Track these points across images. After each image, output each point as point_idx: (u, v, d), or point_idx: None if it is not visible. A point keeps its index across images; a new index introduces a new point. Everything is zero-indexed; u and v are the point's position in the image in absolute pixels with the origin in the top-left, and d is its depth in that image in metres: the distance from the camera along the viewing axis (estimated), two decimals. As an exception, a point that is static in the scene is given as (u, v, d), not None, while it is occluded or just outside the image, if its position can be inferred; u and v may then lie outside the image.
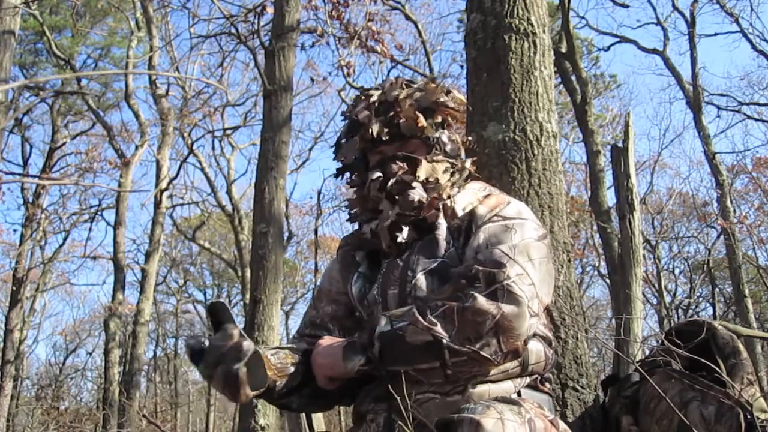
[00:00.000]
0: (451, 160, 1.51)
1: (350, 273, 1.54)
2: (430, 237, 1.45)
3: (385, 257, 1.50)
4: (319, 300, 1.61)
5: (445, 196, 1.49)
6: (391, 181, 1.45)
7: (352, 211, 1.58)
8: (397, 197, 1.45)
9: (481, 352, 1.23)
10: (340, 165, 1.58)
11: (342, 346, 1.32)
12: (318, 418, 1.91)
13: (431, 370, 1.26)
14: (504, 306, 1.24)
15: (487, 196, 1.50)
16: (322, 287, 1.62)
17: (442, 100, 1.53)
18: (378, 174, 1.47)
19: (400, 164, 1.47)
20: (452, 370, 1.25)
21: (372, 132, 1.48)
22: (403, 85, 1.53)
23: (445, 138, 1.52)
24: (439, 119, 1.54)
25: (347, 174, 1.59)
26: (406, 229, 1.45)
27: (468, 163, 1.56)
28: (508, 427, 1.12)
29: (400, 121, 1.48)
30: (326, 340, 1.39)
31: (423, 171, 1.46)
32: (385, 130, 1.48)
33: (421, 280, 1.41)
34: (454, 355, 1.23)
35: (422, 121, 1.48)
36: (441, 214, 1.48)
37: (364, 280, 1.51)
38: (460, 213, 1.47)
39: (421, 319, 1.25)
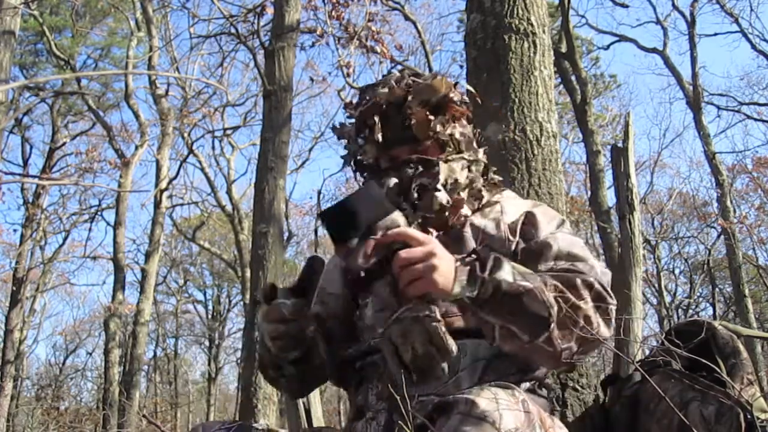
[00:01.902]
0: (465, 156, 1.46)
1: None
2: (456, 235, 1.43)
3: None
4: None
5: (469, 195, 1.46)
6: (413, 187, 1.40)
7: None
8: (418, 202, 1.40)
9: (563, 353, 1.21)
10: (352, 166, 1.52)
11: (464, 268, 1.19)
12: (318, 418, 1.91)
13: (514, 338, 1.19)
14: (602, 325, 1.24)
15: (536, 204, 1.52)
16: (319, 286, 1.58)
17: (450, 95, 1.46)
18: (394, 181, 1.41)
19: (416, 168, 1.42)
20: (527, 353, 1.22)
21: (380, 137, 1.42)
22: (410, 81, 1.45)
23: (457, 134, 1.45)
24: (449, 115, 1.46)
25: (361, 174, 1.53)
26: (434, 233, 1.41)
27: (481, 154, 1.51)
28: (502, 404, 1.10)
29: (411, 123, 1.42)
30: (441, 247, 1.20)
31: (442, 174, 1.41)
32: (396, 133, 1.43)
33: None
34: (547, 342, 1.19)
35: (434, 122, 1.42)
36: (478, 213, 1.46)
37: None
38: (512, 214, 1.45)
39: (547, 291, 1.20)
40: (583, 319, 1.21)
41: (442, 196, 1.40)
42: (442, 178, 1.41)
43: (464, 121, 1.51)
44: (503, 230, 1.43)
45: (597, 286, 1.26)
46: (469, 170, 1.47)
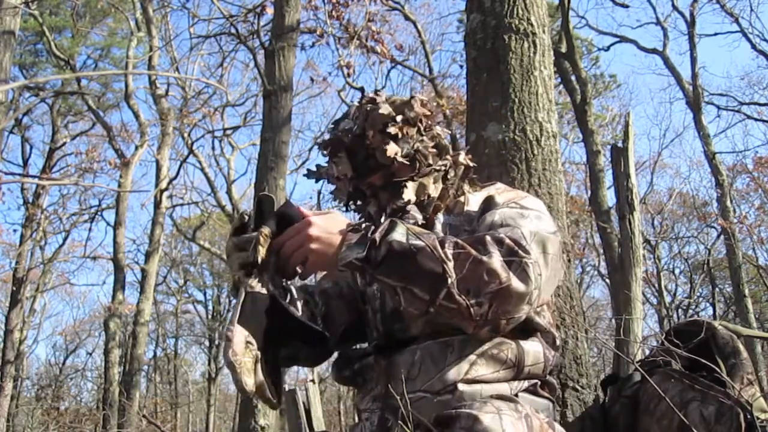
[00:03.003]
0: (436, 167, 1.49)
1: None
2: None
3: None
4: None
5: (446, 202, 1.49)
6: (388, 210, 1.45)
7: None
8: None
9: (471, 310, 1.21)
10: (342, 200, 1.58)
11: (347, 230, 1.25)
12: (318, 418, 1.91)
13: (415, 298, 1.22)
14: (513, 278, 1.22)
15: (507, 190, 1.52)
16: None
17: (405, 114, 1.49)
18: (374, 208, 1.48)
19: (389, 192, 1.47)
20: (435, 310, 1.22)
21: (350, 172, 1.48)
22: (367, 109, 1.50)
23: (422, 148, 1.48)
24: (411, 132, 1.49)
25: (351, 204, 1.58)
26: None
27: (462, 156, 1.53)
28: (505, 421, 1.10)
29: (374, 152, 1.47)
30: (329, 213, 1.29)
31: (409, 193, 1.45)
32: (364, 163, 1.48)
33: None
34: (448, 298, 1.20)
35: (392, 148, 1.45)
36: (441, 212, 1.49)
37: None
38: (475, 205, 1.47)
39: (439, 247, 1.22)
40: (486, 272, 1.21)
41: (412, 216, 1.44)
42: (411, 197, 1.45)
43: (434, 129, 1.53)
44: (465, 221, 1.46)
45: (508, 241, 1.25)
46: (445, 178, 1.50)
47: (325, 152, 1.54)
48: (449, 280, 1.19)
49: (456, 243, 1.23)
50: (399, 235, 1.22)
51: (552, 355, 1.42)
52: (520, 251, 1.25)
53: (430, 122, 1.53)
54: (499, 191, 1.50)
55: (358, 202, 1.54)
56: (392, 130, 1.46)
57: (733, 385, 1.37)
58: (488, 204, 1.44)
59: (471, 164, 1.55)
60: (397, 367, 1.37)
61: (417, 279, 1.21)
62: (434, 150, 1.50)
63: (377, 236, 1.22)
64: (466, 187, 1.54)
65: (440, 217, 1.48)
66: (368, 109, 1.49)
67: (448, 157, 1.52)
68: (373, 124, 1.47)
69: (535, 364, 1.38)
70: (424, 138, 1.50)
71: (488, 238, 1.25)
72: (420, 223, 1.43)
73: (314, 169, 1.58)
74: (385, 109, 1.48)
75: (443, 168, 1.50)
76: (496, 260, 1.22)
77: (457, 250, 1.22)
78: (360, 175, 1.48)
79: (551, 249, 1.33)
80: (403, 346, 1.39)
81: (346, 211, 1.60)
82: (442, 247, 1.22)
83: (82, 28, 13.72)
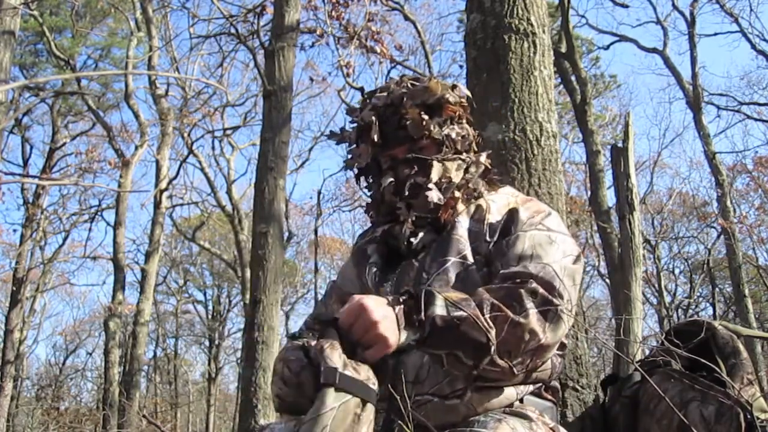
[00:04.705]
0: (462, 157, 1.50)
1: (364, 267, 1.52)
2: (445, 237, 1.44)
3: (402, 257, 1.47)
4: (329, 297, 1.59)
5: (464, 194, 1.48)
6: (407, 185, 1.44)
7: (369, 214, 1.58)
8: (412, 201, 1.44)
9: (514, 369, 1.24)
10: (355, 170, 1.56)
11: (402, 312, 1.21)
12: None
13: (459, 362, 1.22)
14: (549, 331, 1.26)
15: (527, 200, 1.51)
16: (335, 284, 1.61)
17: (446, 96, 1.50)
18: (390, 179, 1.46)
19: (411, 167, 1.46)
20: (478, 373, 1.24)
21: (377, 137, 1.47)
22: (408, 85, 1.50)
23: (453, 134, 1.49)
24: (446, 116, 1.51)
25: (363, 178, 1.56)
26: (421, 234, 1.44)
27: (483, 157, 1.54)
28: None
29: (407, 123, 1.46)
30: (370, 299, 1.20)
31: (435, 172, 1.44)
32: (393, 133, 1.47)
33: (434, 283, 1.39)
34: (491, 363, 1.22)
35: (427, 121, 1.46)
36: (464, 213, 1.47)
37: (378, 271, 1.49)
38: (496, 214, 1.46)
39: (482, 316, 1.22)
40: (526, 333, 1.23)
41: (434, 195, 1.43)
42: (435, 176, 1.44)
43: (465, 124, 1.54)
44: (485, 231, 1.44)
45: (541, 290, 1.27)
46: (467, 171, 1.50)
47: (354, 116, 1.54)
48: (492, 349, 1.20)
49: (493, 305, 1.23)
50: (440, 308, 1.21)
51: (559, 362, 1.44)
52: (554, 300, 1.27)
53: (464, 114, 1.54)
54: (519, 201, 1.49)
55: (370, 178, 1.53)
56: (434, 106, 1.47)
57: (733, 385, 1.37)
58: (511, 218, 1.43)
59: (490, 167, 1.55)
60: (405, 368, 1.36)
61: (461, 347, 1.21)
62: (462, 140, 1.51)
63: (422, 316, 1.21)
64: (484, 188, 1.52)
65: (463, 222, 1.45)
66: (410, 83, 1.50)
67: (472, 154, 1.53)
68: (413, 96, 1.48)
69: (543, 370, 1.39)
70: (455, 127, 1.51)
71: (522, 292, 1.26)
72: (440, 203, 1.43)
73: (338, 132, 1.58)
74: (428, 85, 1.49)
75: (468, 160, 1.50)
76: (533, 318, 1.24)
77: (494, 312, 1.22)
78: (385, 144, 1.48)
79: (578, 279, 1.37)
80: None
81: (357, 182, 1.58)
82: (481, 312, 1.22)
83: (82, 28, 13.71)
